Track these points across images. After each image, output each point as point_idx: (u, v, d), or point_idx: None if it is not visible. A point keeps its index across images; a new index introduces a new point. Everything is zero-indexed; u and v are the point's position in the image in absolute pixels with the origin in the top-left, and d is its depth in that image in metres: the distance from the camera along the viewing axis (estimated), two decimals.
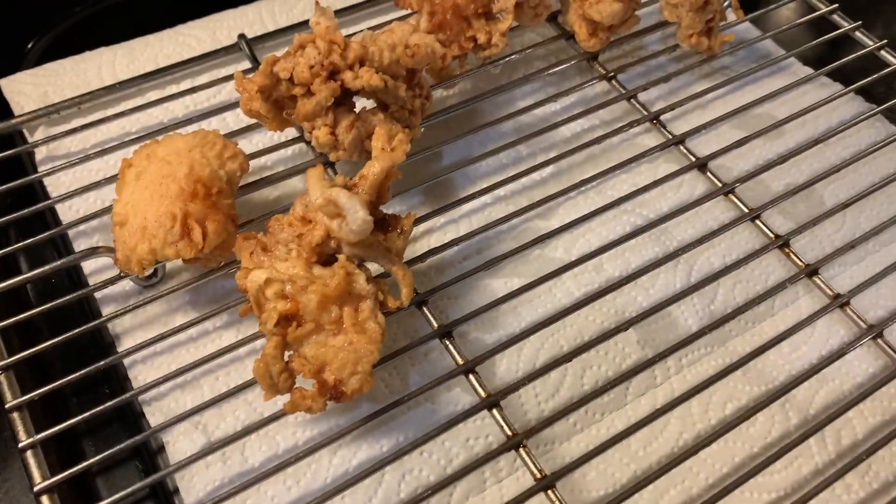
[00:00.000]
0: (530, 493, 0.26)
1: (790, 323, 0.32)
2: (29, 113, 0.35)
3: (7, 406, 0.27)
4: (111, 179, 0.32)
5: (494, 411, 0.27)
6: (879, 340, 0.31)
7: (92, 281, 0.32)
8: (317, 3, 0.32)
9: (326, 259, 0.28)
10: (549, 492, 0.26)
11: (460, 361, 0.28)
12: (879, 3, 0.47)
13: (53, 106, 0.35)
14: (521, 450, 0.27)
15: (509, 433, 0.27)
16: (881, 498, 0.28)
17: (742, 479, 0.27)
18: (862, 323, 0.31)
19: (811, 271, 0.32)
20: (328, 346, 0.26)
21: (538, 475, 0.26)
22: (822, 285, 0.32)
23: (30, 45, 0.40)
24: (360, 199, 0.26)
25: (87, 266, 0.32)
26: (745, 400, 0.30)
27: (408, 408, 0.28)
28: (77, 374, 0.27)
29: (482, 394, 0.27)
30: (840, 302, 0.31)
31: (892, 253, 0.34)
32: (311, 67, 0.31)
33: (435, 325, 0.29)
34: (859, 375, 0.31)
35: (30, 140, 0.35)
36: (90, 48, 0.39)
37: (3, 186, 0.32)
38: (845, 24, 0.41)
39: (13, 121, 0.34)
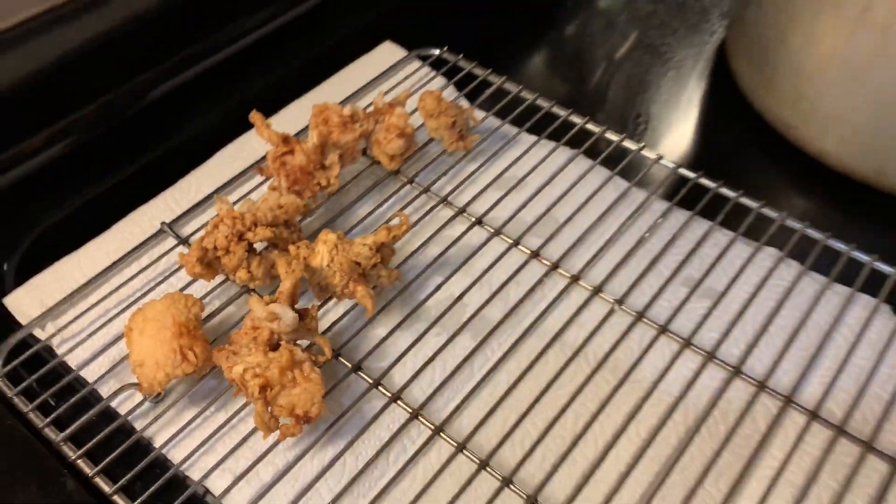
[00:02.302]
0: (429, 439, 0.45)
1: (550, 298, 0.53)
2: (36, 318, 0.51)
3: None
4: (113, 341, 0.49)
5: (399, 402, 0.46)
6: (616, 304, 0.52)
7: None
8: (217, 198, 0.51)
9: (274, 346, 0.46)
10: (441, 434, 0.45)
11: (370, 381, 0.47)
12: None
13: (52, 309, 0.51)
14: (419, 418, 0.46)
15: (410, 411, 0.46)
16: None
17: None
18: (588, 286, 0.52)
19: (554, 266, 0.53)
20: (292, 395, 0.44)
21: (433, 426, 0.45)
22: (564, 272, 0.53)
23: (5, 267, 0.55)
24: (286, 306, 0.45)
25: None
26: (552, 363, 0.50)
27: (346, 419, 0.47)
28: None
29: (388, 395, 0.46)
30: (574, 279, 0.53)
31: (604, 234, 0.56)
32: (227, 237, 0.49)
33: (349, 365, 0.48)
34: (590, 322, 0.52)
35: (42, 337, 0.51)
36: (56, 255, 0.55)
37: (36, 375, 0.47)
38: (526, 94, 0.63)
39: (25, 328, 0.50)
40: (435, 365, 0.49)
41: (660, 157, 0.59)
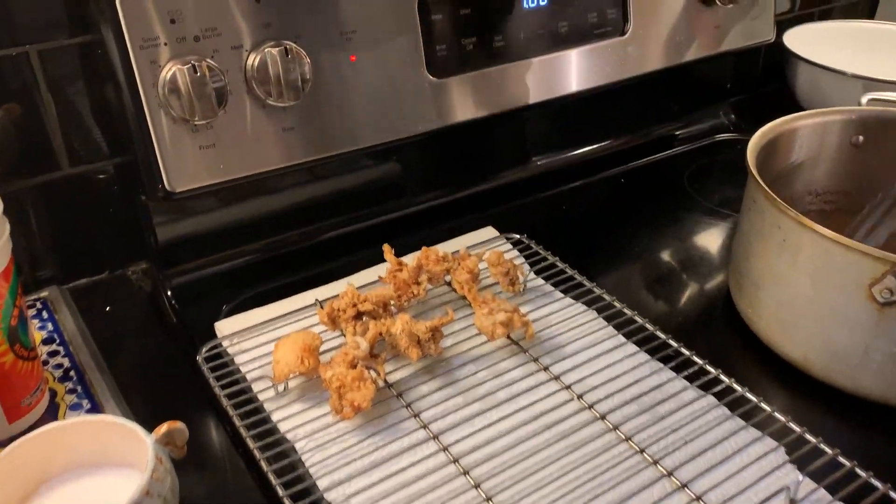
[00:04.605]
0: (424, 440, 0.71)
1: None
2: (225, 336, 0.84)
3: None
4: (262, 355, 0.81)
5: (416, 418, 0.73)
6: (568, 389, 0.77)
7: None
8: (349, 285, 0.84)
9: (353, 366, 0.75)
10: (436, 438, 0.71)
11: (404, 403, 0.75)
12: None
13: (235, 333, 0.85)
14: (426, 428, 0.72)
15: (422, 424, 0.72)
16: None
17: None
18: (563, 382, 0.77)
19: (543, 365, 0.79)
20: (355, 394, 0.73)
21: (431, 432, 0.71)
22: (552, 374, 0.79)
23: (224, 308, 0.91)
24: (365, 341, 0.75)
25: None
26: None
27: (380, 418, 0.74)
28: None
29: (410, 412, 0.74)
30: (545, 368, 0.78)
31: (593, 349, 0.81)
32: (346, 304, 0.81)
33: (395, 393, 0.76)
34: (545, 406, 0.76)
35: (227, 347, 0.84)
36: (250, 307, 0.90)
37: (217, 361, 0.80)
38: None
39: (217, 339, 0.84)
40: (447, 396, 0.76)
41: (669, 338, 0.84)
